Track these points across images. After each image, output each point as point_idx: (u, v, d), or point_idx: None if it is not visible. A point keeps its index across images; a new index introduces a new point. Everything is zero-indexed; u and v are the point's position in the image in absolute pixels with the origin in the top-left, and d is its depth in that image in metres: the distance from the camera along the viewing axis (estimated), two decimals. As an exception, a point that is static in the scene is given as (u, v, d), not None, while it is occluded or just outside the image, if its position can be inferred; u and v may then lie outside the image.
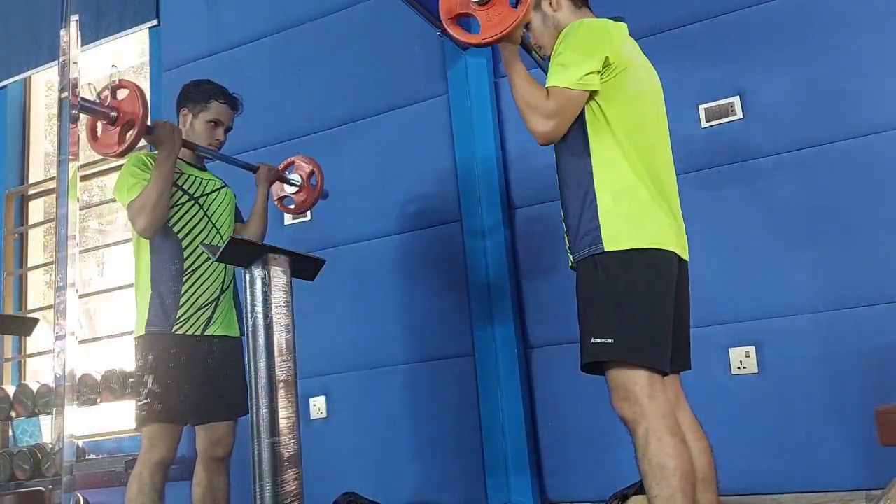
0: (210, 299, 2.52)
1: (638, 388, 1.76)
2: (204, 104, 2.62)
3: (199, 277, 2.51)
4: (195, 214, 2.56)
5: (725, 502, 2.84)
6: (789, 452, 2.93)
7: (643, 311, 1.80)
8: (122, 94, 2.33)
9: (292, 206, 3.15)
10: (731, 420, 2.98)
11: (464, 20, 1.93)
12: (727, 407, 3.00)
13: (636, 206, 1.85)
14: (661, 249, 1.84)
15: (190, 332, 2.47)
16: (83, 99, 2.15)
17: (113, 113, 2.29)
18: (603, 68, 1.84)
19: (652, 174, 1.89)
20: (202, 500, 2.55)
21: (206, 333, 2.51)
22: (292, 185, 3.07)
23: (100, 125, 2.34)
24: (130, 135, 2.30)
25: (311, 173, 3.07)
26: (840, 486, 2.84)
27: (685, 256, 1.96)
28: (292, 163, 3.09)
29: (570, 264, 1.97)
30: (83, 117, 2.19)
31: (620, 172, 1.85)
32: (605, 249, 1.81)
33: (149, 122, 2.32)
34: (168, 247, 2.49)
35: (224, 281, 2.58)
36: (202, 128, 2.62)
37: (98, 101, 2.31)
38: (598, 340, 1.80)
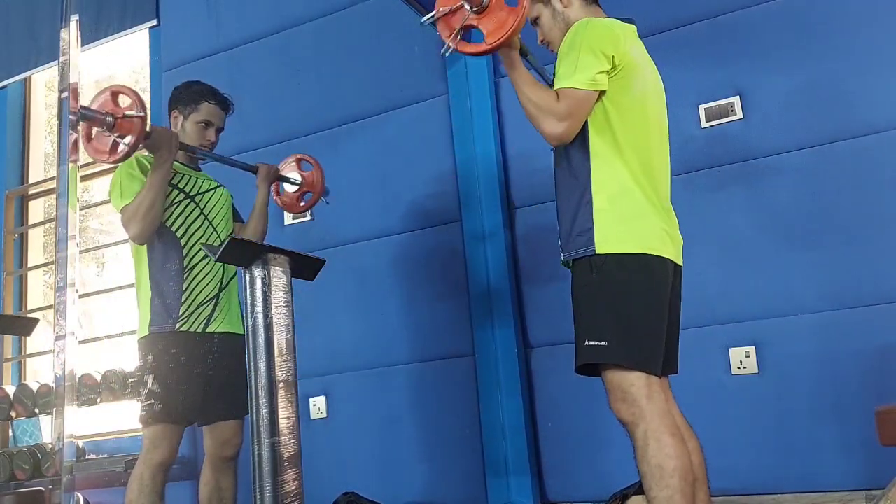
0: (209, 296, 2.52)
1: (635, 389, 1.76)
2: (194, 105, 2.61)
3: (197, 275, 2.51)
4: (192, 213, 2.56)
5: (726, 502, 2.85)
6: (789, 452, 2.92)
7: (637, 313, 1.80)
8: (121, 100, 2.31)
9: (302, 205, 3.10)
10: (732, 420, 2.98)
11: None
12: (727, 407, 3.00)
13: (632, 208, 1.84)
14: (654, 255, 1.83)
15: (192, 330, 2.47)
16: (82, 107, 2.14)
17: (110, 119, 2.26)
18: (610, 68, 1.83)
19: (649, 177, 1.89)
20: (209, 500, 2.54)
21: (207, 330, 2.51)
22: (292, 183, 3.05)
23: (95, 130, 2.31)
24: (128, 141, 2.27)
25: (300, 161, 3.03)
26: (840, 486, 2.84)
27: (679, 262, 1.96)
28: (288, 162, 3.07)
29: (562, 261, 1.97)
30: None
31: (618, 174, 1.85)
32: (597, 251, 1.81)
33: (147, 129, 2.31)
34: (166, 246, 2.49)
35: (223, 278, 2.58)
36: (193, 129, 2.60)
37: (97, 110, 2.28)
38: (592, 342, 1.80)
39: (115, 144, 2.29)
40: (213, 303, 2.53)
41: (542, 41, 2.12)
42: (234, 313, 2.63)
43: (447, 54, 1.88)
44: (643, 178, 1.87)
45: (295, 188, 3.06)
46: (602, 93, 1.84)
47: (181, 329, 2.45)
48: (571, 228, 1.88)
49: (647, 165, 1.89)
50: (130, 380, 3.83)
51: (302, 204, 3.11)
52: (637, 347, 1.78)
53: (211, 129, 2.64)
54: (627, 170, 1.85)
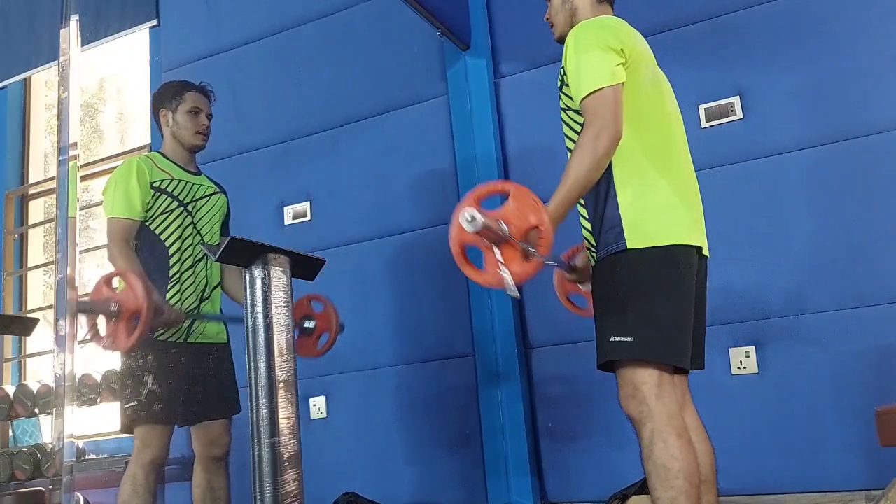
0: (190, 308, 2.53)
1: (646, 387, 1.76)
2: (179, 98, 2.64)
3: (181, 285, 2.52)
4: (183, 221, 2.56)
5: (726, 502, 2.84)
6: (789, 452, 2.92)
7: (664, 310, 1.79)
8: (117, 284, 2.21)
9: (319, 349, 2.77)
10: (732, 420, 2.98)
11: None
12: (727, 407, 3.00)
13: (657, 201, 1.83)
14: (682, 245, 1.83)
15: (172, 339, 2.49)
16: (81, 301, 2.03)
17: (114, 307, 2.15)
18: (623, 61, 1.82)
19: (672, 168, 1.88)
20: (202, 501, 2.56)
21: (188, 341, 2.53)
22: (306, 329, 2.71)
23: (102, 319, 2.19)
24: (136, 331, 2.13)
25: (311, 300, 2.73)
26: (840, 487, 2.84)
27: (706, 251, 1.95)
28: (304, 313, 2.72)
29: (591, 263, 1.95)
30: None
31: (640, 168, 1.84)
32: (628, 247, 1.80)
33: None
34: (155, 254, 2.50)
35: (204, 290, 2.60)
36: (185, 119, 2.63)
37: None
38: (618, 339, 1.79)
39: (125, 331, 2.16)
40: (194, 313, 2.54)
41: (547, 19, 2.12)
42: (216, 323, 2.64)
43: (515, 295, 1.70)
44: (666, 168, 1.86)
45: (310, 332, 2.73)
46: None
47: (159, 339, 2.46)
48: (601, 226, 1.86)
49: (668, 156, 1.89)
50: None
51: (318, 349, 2.77)
52: (663, 344, 1.78)
53: (202, 114, 2.66)
54: (649, 160, 1.84)
